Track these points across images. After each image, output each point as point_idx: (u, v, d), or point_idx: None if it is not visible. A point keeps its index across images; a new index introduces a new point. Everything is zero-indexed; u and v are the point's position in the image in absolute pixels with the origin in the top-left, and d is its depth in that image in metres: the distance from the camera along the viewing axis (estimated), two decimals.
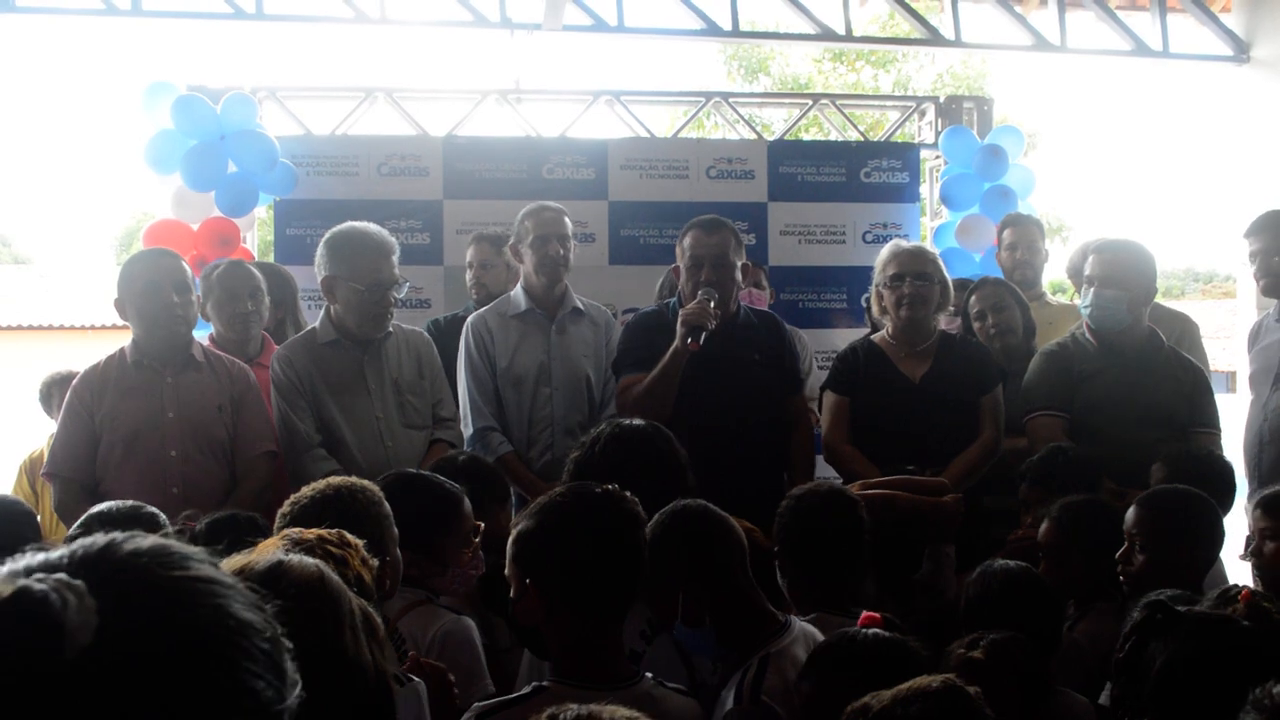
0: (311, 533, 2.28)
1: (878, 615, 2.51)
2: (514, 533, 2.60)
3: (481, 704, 2.47)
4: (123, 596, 0.94)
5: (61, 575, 0.92)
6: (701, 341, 4.40)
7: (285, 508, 2.79)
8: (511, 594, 2.57)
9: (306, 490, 2.79)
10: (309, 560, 1.73)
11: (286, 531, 2.30)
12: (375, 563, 2.37)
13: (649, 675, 2.56)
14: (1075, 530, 3.63)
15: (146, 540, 1.02)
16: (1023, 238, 6.38)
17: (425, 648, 2.99)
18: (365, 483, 2.89)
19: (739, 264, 4.72)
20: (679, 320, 4.47)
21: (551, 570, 2.50)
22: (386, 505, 2.82)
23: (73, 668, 0.88)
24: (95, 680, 0.89)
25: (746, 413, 4.56)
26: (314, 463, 4.44)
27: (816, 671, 2.46)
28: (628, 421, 3.52)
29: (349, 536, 2.33)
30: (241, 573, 1.48)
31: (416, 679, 2.60)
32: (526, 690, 2.47)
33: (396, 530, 2.84)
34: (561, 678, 2.48)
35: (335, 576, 1.63)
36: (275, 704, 1.01)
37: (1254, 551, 3.55)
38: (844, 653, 2.43)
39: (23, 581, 0.90)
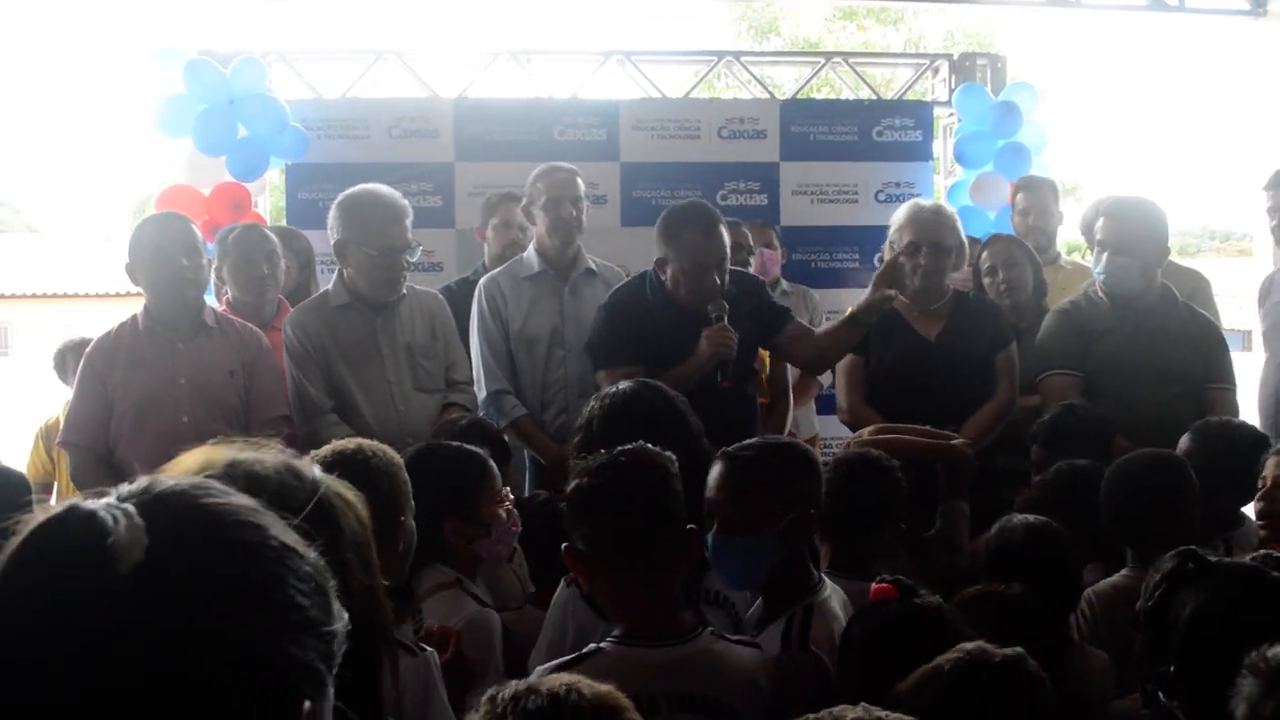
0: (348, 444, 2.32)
1: (889, 586, 2.49)
2: (569, 494, 2.62)
3: (544, 665, 2.46)
4: (169, 518, 0.97)
5: (110, 499, 0.96)
6: (731, 374, 4.31)
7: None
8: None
9: (325, 449, 2.78)
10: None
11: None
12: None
13: (710, 629, 2.58)
14: (1068, 491, 3.64)
15: (190, 478, 1.06)
16: (1036, 203, 6.33)
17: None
18: (383, 446, 2.88)
19: (728, 251, 4.56)
20: (704, 344, 4.29)
21: (593, 533, 2.52)
22: (404, 470, 2.81)
23: (127, 582, 0.91)
24: (150, 594, 0.92)
25: (734, 385, 4.43)
26: (326, 428, 4.41)
27: (859, 639, 2.48)
28: (629, 386, 3.44)
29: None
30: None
31: (429, 649, 2.61)
32: (585, 651, 2.47)
33: (414, 501, 2.83)
34: (617, 638, 2.48)
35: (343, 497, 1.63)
36: (322, 624, 1.03)
37: (1264, 497, 3.53)
38: (894, 622, 2.43)
39: (72, 501, 0.94)
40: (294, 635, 1.00)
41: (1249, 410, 5.04)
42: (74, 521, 0.92)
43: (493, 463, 3.35)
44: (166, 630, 0.92)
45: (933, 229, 4.67)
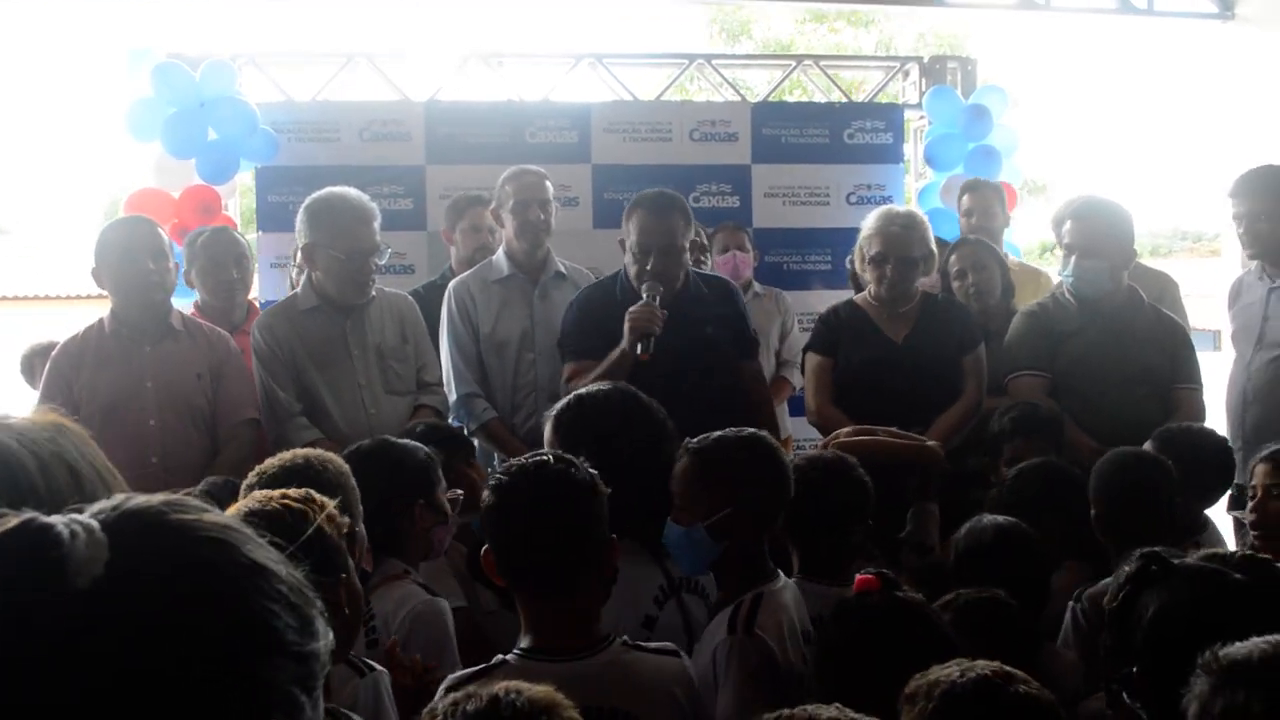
0: (277, 493, 2.27)
1: (873, 577, 2.50)
2: (481, 506, 2.61)
3: (453, 676, 2.47)
4: (134, 535, 0.95)
5: (75, 514, 0.93)
6: (651, 349, 4.32)
7: (251, 478, 2.78)
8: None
9: (273, 460, 2.79)
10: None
11: (253, 494, 2.29)
12: (346, 520, 2.36)
13: (622, 640, 2.55)
14: (1039, 490, 3.67)
15: (164, 495, 1.02)
16: (980, 204, 6.40)
17: (395, 627, 3.00)
18: (332, 455, 2.90)
19: (688, 244, 4.65)
20: (626, 323, 4.37)
21: (501, 542, 2.52)
22: (352, 477, 2.81)
23: (83, 597, 0.88)
24: (105, 610, 0.89)
25: (702, 383, 4.44)
26: (295, 431, 4.43)
27: (841, 630, 2.48)
28: (594, 388, 3.46)
29: (317, 496, 2.32)
30: None
31: (379, 668, 2.60)
32: (490, 663, 2.46)
33: (362, 507, 2.83)
34: (524, 650, 2.48)
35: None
36: (297, 645, 0.99)
37: (1256, 507, 3.56)
38: (876, 616, 2.43)
39: (31, 514, 0.91)
40: (262, 656, 0.97)
41: (1217, 410, 5.07)
42: (27, 534, 0.89)
43: (438, 468, 3.42)
44: (120, 648, 0.89)
45: (900, 243, 4.68)
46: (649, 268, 4.49)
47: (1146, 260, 5.43)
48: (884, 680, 2.02)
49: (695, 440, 2.95)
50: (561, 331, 4.73)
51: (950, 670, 2.01)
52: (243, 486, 2.77)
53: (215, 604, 0.95)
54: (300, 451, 2.86)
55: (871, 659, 2.21)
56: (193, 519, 0.99)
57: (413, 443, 3.46)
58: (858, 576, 2.53)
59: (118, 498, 1.00)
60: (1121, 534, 3.35)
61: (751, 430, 2.98)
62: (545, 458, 2.60)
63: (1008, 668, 2.03)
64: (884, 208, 4.96)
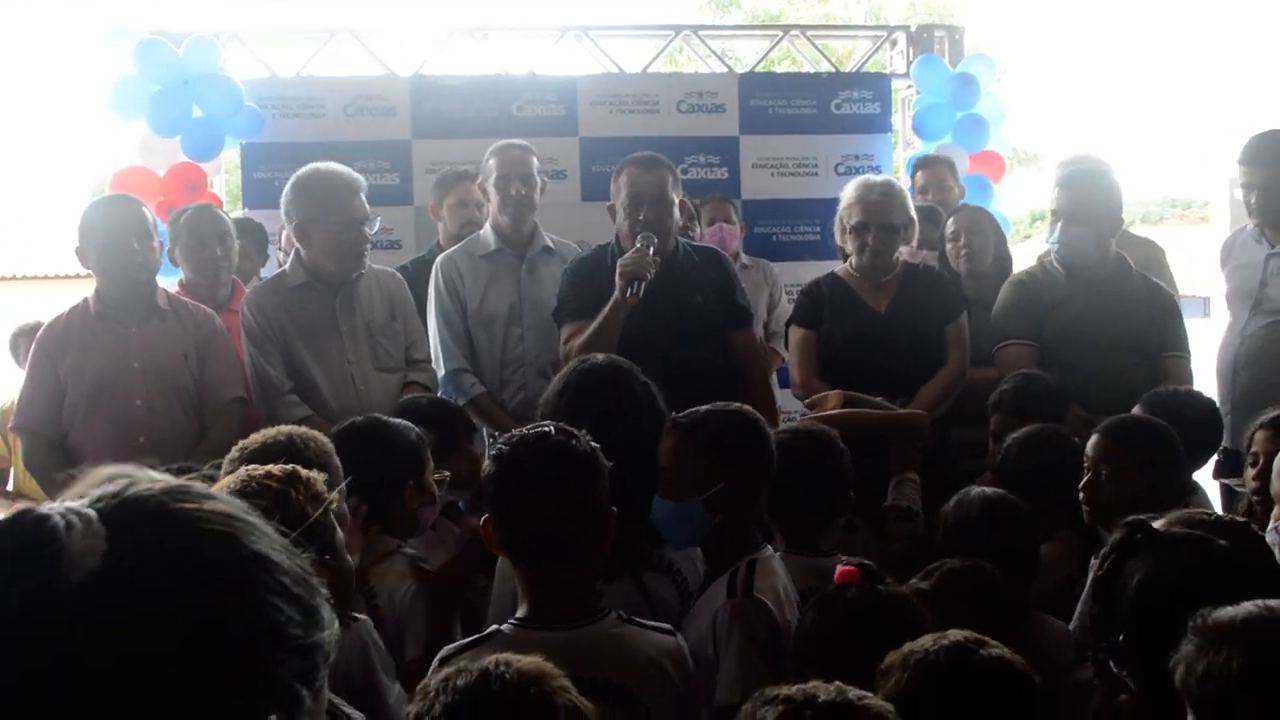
0: (260, 469, 2.27)
1: (854, 569, 2.49)
2: (483, 476, 2.62)
3: (448, 648, 2.49)
4: (133, 525, 0.94)
5: (73, 504, 0.92)
6: (641, 293, 4.32)
7: (234, 453, 2.79)
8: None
9: (256, 436, 2.78)
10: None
11: (239, 470, 2.28)
12: (334, 496, 2.35)
13: (616, 613, 2.55)
14: (1033, 461, 3.65)
15: (165, 480, 1.02)
16: (933, 179, 6.48)
17: (399, 601, 3.07)
18: (315, 433, 2.89)
19: (677, 201, 4.66)
20: (617, 271, 4.39)
21: (502, 512, 2.52)
22: (335, 455, 2.82)
23: (79, 591, 0.88)
24: (101, 604, 0.88)
25: (692, 354, 4.44)
26: (286, 408, 4.43)
27: (821, 622, 2.47)
28: (590, 360, 3.45)
29: (302, 472, 2.32)
30: None
31: (362, 617, 2.63)
32: (486, 633, 2.49)
33: (374, 468, 2.84)
34: (519, 620, 2.48)
35: None
36: (300, 638, 0.99)
37: (1259, 474, 3.56)
38: (856, 608, 2.43)
39: (27, 505, 0.91)
40: (261, 651, 0.96)
41: (1206, 376, 5.07)
42: (24, 526, 0.89)
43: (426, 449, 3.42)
44: (114, 644, 0.89)
45: (880, 210, 4.68)
46: (641, 218, 4.49)
47: (1138, 227, 5.43)
48: (864, 673, 2.01)
49: (683, 415, 2.95)
50: (557, 300, 4.73)
51: (923, 641, 2.02)
52: (225, 462, 2.76)
53: (214, 598, 0.94)
54: (283, 429, 2.86)
55: (852, 651, 2.20)
56: (193, 508, 0.98)
57: (404, 423, 3.45)
58: (839, 568, 2.52)
59: (119, 483, 0.99)
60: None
61: (737, 405, 2.99)
62: (547, 429, 2.60)
63: (979, 635, 2.04)
64: (862, 177, 4.96)
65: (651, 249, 4.40)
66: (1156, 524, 2.46)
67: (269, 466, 2.31)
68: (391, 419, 3.50)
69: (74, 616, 0.88)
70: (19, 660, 0.87)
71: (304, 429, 2.92)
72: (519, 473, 2.50)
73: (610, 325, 4.38)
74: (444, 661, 2.40)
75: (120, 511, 0.94)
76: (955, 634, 2.03)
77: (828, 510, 3.31)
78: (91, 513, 0.92)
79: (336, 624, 1.05)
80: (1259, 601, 1.75)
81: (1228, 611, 1.74)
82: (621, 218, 4.59)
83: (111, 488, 0.98)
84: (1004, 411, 4.24)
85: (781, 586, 2.78)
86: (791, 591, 2.84)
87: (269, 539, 1.01)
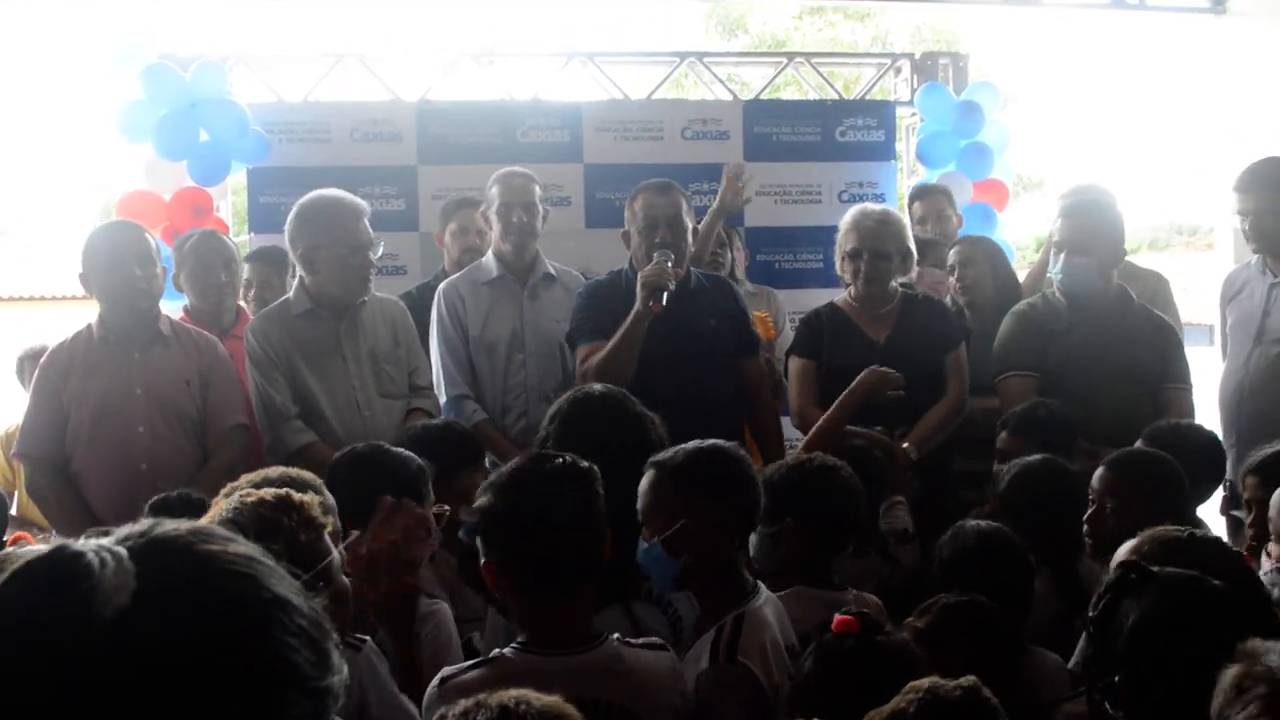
0: (254, 494, 2.27)
1: (852, 619, 2.47)
2: (476, 509, 2.60)
3: (447, 670, 2.48)
4: (161, 564, 0.97)
5: (105, 541, 0.97)
6: (664, 302, 4.38)
7: (221, 498, 2.76)
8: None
9: (243, 479, 2.77)
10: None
11: (232, 496, 2.28)
12: (328, 521, 2.35)
13: (615, 636, 2.55)
14: (1030, 494, 3.65)
15: (191, 523, 1.06)
16: (931, 209, 6.48)
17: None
18: (306, 473, 2.89)
19: (690, 227, 4.71)
20: (639, 282, 4.43)
21: (507, 546, 2.50)
22: (328, 495, 2.81)
23: (110, 626, 0.91)
24: (131, 639, 0.92)
25: (706, 379, 4.53)
26: (291, 434, 4.46)
27: (819, 671, 2.45)
28: (584, 390, 3.45)
29: (295, 496, 2.32)
30: None
31: (366, 639, 2.62)
32: (489, 656, 2.48)
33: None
34: (521, 645, 2.48)
35: None
36: (314, 680, 1.02)
37: (1255, 522, 3.55)
38: (854, 659, 2.41)
39: (61, 542, 0.95)
40: (279, 691, 1.00)
41: (1211, 405, 5.07)
42: (60, 562, 0.92)
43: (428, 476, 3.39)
44: (143, 676, 0.92)
45: (874, 237, 4.73)
46: (656, 241, 4.55)
47: (1144, 254, 5.44)
48: None
49: (660, 455, 2.89)
50: (571, 323, 4.78)
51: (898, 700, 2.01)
52: (212, 504, 2.76)
53: (236, 637, 0.98)
54: (273, 471, 2.85)
55: (849, 702, 2.19)
56: (218, 550, 1.02)
57: (406, 452, 3.44)
58: (837, 617, 2.48)
59: (145, 523, 1.03)
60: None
61: (714, 442, 2.91)
62: (546, 459, 2.60)
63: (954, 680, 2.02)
64: (860, 205, 5.01)
65: (670, 262, 4.45)
66: (1125, 546, 2.49)
67: (261, 492, 2.31)
68: (393, 448, 3.49)
69: (105, 648, 0.91)
70: (53, 687, 0.90)
71: (295, 470, 2.91)
72: (522, 503, 2.50)
73: (632, 338, 4.43)
74: (444, 681, 2.41)
75: (148, 551, 0.98)
76: (923, 683, 2.02)
77: (836, 543, 3.30)
78: (123, 551, 0.95)
79: (345, 669, 1.08)
80: None
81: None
82: (637, 242, 4.66)
83: (139, 528, 1.02)
84: (1011, 431, 4.25)
85: (770, 641, 2.71)
86: (783, 638, 2.80)
87: (287, 582, 1.05)
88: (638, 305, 4.41)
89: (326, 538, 2.37)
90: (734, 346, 4.75)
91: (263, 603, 1.01)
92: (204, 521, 2.07)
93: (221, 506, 2.30)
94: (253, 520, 2.18)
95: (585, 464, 2.59)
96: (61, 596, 0.91)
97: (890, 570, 3.81)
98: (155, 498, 3.41)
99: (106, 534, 1.00)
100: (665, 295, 4.39)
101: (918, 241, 5.31)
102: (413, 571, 2.85)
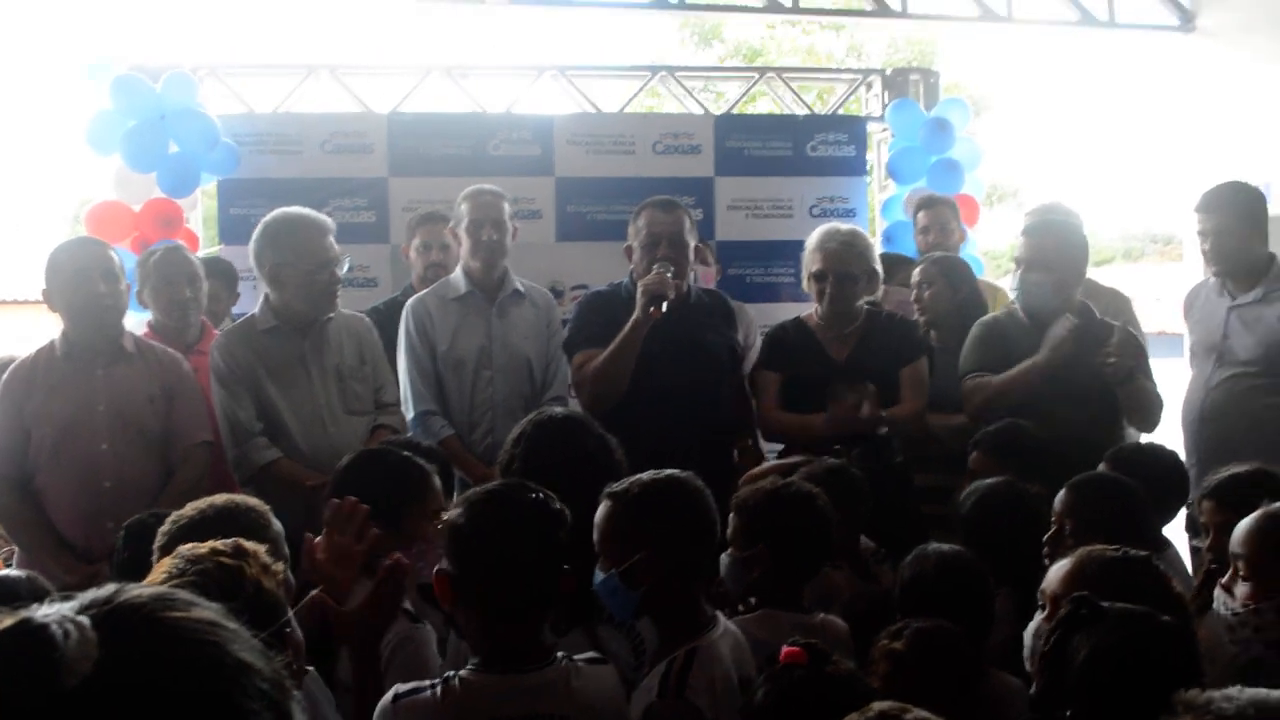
0: (205, 546, 2.24)
1: (799, 650, 2.45)
2: (444, 525, 2.60)
3: (401, 685, 2.47)
4: (123, 632, 0.98)
5: (67, 611, 0.97)
6: (664, 309, 4.42)
7: (166, 526, 2.72)
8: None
9: (187, 509, 2.75)
10: None
11: (180, 549, 2.25)
12: (280, 567, 2.33)
13: (562, 655, 2.55)
14: (989, 516, 3.66)
15: (153, 588, 1.06)
16: (935, 220, 6.48)
17: (384, 653, 2.99)
18: (251, 500, 2.87)
19: (692, 244, 4.76)
20: (639, 290, 4.49)
21: (469, 570, 2.50)
22: (276, 523, 2.79)
23: (73, 696, 0.92)
24: (94, 710, 0.92)
25: (703, 391, 4.63)
26: (256, 451, 4.45)
27: (766, 701, 2.45)
28: (546, 413, 3.47)
29: (246, 545, 2.30)
30: None
31: (310, 669, 2.59)
32: (445, 676, 2.47)
33: (288, 550, 2.80)
34: (475, 665, 2.47)
35: None
36: None
37: (1212, 547, 3.56)
38: (802, 689, 2.40)
39: (25, 613, 0.95)
40: None
41: (1175, 424, 5.10)
42: (23, 635, 0.92)
43: (437, 480, 3.38)
44: None
45: (839, 259, 4.79)
46: (658, 256, 4.60)
47: (1119, 263, 5.50)
48: None
49: (615, 485, 2.86)
50: (568, 332, 4.86)
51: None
52: (159, 534, 2.72)
53: (200, 706, 0.98)
54: (216, 500, 2.82)
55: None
56: (181, 616, 1.02)
57: (409, 455, 3.43)
58: (784, 648, 2.46)
59: (108, 589, 1.03)
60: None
61: (670, 472, 2.87)
62: (513, 487, 2.61)
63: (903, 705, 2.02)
64: (827, 225, 5.03)
65: (670, 273, 4.51)
66: (1059, 565, 2.49)
67: (212, 543, 2.28)
68: (383, 450, 3.53)
69: (69, 719, 0.91)
70: None
71: (240, 497, 2.87)
72: (486, 529, 2.50)
73: (629, 344, 4.50)
74: (398, 699, 2.41)
75: (111, 619, 0.98)
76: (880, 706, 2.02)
77: (807, 569, 3.30)
78: (85, 620, 0.95)
79: None
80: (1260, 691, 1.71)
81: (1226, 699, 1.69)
82: (639, 257, 4.71)
83: (102, 594, 1.02)
84: (983, 450, 4.27)
85: (720, 677, 2.67)
86: (739, 672, 2.75)
87: (249, 645, 1.05)
88: (637, 312, 4.47)
89: (279, 587, 2.34)
90: (729, 359, 4.84)
91: (225, 668, 1.01)
92: (155, 575, 2.07)
93: (167, 566, 2.25)
94: (215, 573, 2.15)
95: (558, 505, 2.57)
96: (24, 669, 0.91)
97: (866, 587, 3.80)
98: (131, 519, 3.36)
99: (69, 599, 1.01)
100: (664, 303, 4.45)
101: (885, 260, 5.35)
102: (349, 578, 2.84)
